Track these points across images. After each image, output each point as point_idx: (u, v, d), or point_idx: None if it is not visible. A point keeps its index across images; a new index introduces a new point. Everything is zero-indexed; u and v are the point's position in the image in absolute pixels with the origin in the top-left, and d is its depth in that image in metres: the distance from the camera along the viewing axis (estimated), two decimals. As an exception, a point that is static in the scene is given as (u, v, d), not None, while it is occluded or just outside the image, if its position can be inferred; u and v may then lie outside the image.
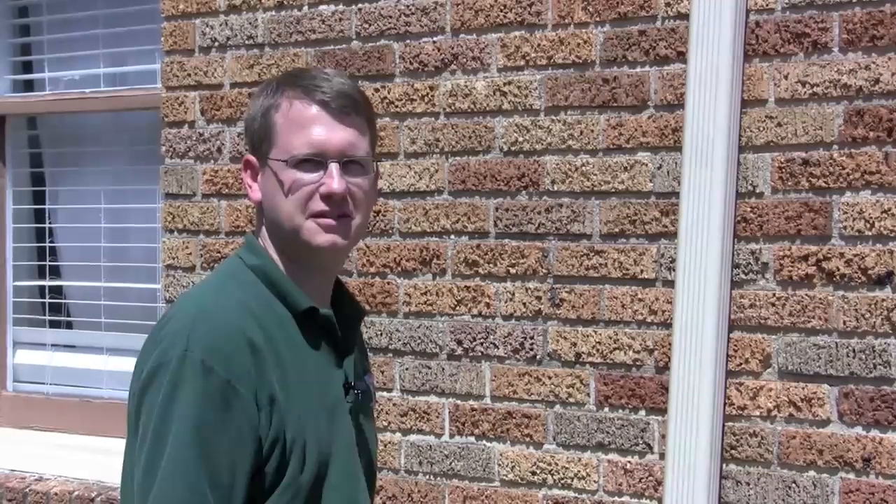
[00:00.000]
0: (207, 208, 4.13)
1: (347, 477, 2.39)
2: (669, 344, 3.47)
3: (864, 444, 3.21)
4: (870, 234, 3.18)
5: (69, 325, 4.89)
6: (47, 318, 4.89)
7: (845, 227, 3.21)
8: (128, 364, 4.42)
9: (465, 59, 3.72)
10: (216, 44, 4.10)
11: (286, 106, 2.40)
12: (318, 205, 2.35)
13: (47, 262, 4.91)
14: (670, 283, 3.46)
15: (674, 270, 3.48)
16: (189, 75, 4.17)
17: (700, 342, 3.37)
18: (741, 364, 3.35)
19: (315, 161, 2.35)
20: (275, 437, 2.23)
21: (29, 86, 4.90)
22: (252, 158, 2.47)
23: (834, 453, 3.24)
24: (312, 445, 2.27)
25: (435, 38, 3.73)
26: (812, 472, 3.26)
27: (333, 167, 2.34)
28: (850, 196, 3.19)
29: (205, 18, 4.11)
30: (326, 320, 2.38)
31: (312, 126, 2.39)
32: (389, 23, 3.81)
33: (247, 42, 4.04)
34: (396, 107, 3.83)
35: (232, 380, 2.19)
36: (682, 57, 3.41)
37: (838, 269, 3.21)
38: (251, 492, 2.26)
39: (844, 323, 3.21)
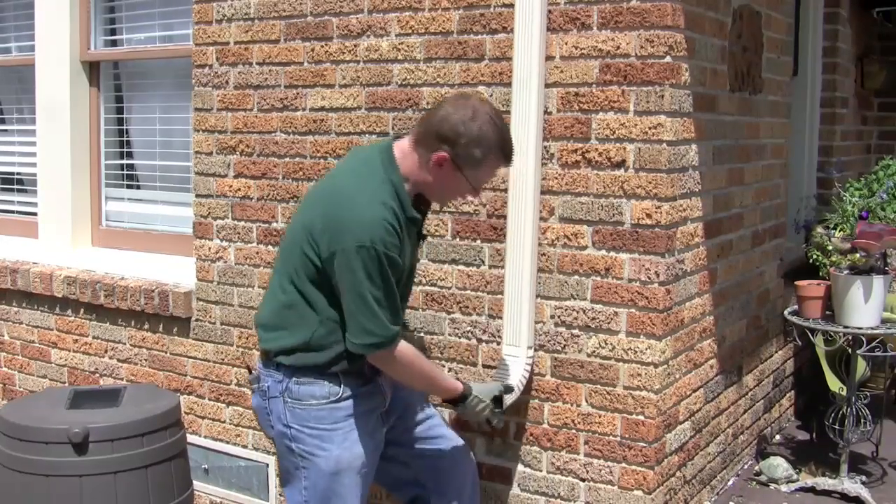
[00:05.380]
0: (219, 117, 4.25)
1: (408, 269, 2.93)
2: (496, 200, 3.51)
3: (605, 260, 3.37)
4: (612, 137, 3.30)
5: (138, 187, 4.98)
6: (125, 182, 4.99)
7: (598, 133, 3.34)
8: (173, 210, 4.71)
9: (375, 29, 3.76)
10: (225, 18, 4.17)
11: (495, 162, 2.88)
12: (459, 200, 3.19)
13: (125, 149, 4.99)
14: (496, 165, 3.64)
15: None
16: (209, 37, 4.23)
17: (524, 199, 3.41)
18: (540, 213, 3.43)
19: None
20: (402, 266, 2.77)
21: (113, 42, 4.95)
22: (450, 157, 2.77)
23: (588, 265, 3.42)
24: (406, 261, 2.80)
25: (357, 16, 3.80)
26: (575, 277, 3.42)
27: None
28: (601, 115, 3.32)
29: (219, 2, 4.18)
30: (417, 219, 2.88)
31: (494, 176, 3.05)
32: (330, 5, 3.88)
33: (244, 17, 4.11)
34: (335, 56, 3.86)
35: (391, 252, 2.69)
36: (506, 30, 3.44)
37: (594, 158, 3.34)
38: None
39: (597, 189, 3.35)
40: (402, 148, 2.87)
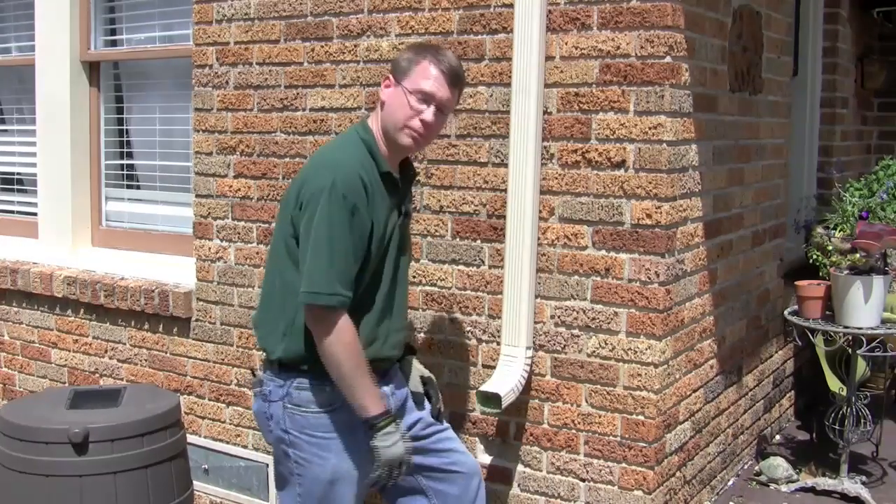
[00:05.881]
0: (219, 117, 4.26)
1: (394, 251, 2.88)
2: (496, 201, 3.52)
3: (605, 260, 3.38)
4: (613, 137, 3.30)
5: (138, 187, 4.97)
6: (125, 182, 4.99)
7: (598, 133, 3.34)
8: (174, 210, 4.73)
9: (375, 29, 3.76)
10: (225, 18, 4.18)
11: (424, 64, 2.82)
12: (415, 123, 2.82)
13: (125, 149, 4.98)
14: (496, 165, 3.51)
15: (498, 157, 3.51)
16: (209, 37, 4.24)
17: (524, 200, 3.41)
18: (540, 213, 3.44)
19: (426, 99, 2.80)
20: (370, 233, 2.73)
21: (113, 42, 4.95)
22: (391, 77, 2.87)
23: (588, 265, 3.44)
24: (380, 236, 2.77)
25: (357, 16, 3.81)
26: (575, 277, 3.42)
27: (433, 107, 2.82)
28: (602, 115, 3.32)
29: (219, 2, 4.19)
30: (393, 177, 2.84)
31: (433, 80, 2.82)
32: (330, 5, 3.88)
33: (244, 17, 4.12)
34: (335, 56, 3.87)
35: (355, 201, 2.69)
36: (506, 30, 3.45)
37: (594, 158, 3.34)
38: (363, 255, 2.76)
39: (597, 189, 3.35)
40: (375, 109, 2.99)
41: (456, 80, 2.89)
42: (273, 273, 2.93)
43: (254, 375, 3.04)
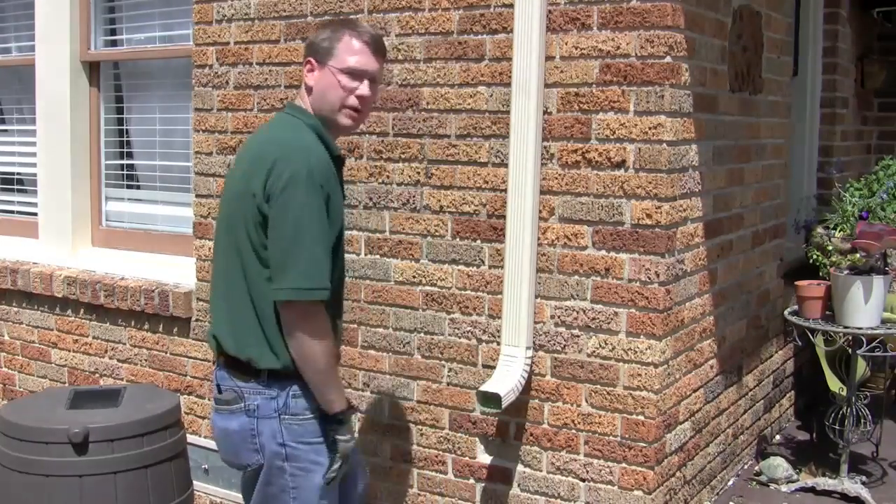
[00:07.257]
0: (219, 117, 4.26)
1: (341, 237, 2.81)
2: (496, 201, 3.52)
3: (605, 260, 3.37)
4: (613, 137, 3.30)
5: (138, 187, 4.97)
6: (125, 182, 4.99)
7: (598, 133, 3.34)
8: (173, 210, 4.73)
9: (376, 29, 3.66)
10: (225, 18, 4.18)
11: (347, 39, 2.72)
12: (353, 101, 2.73)
13: (125, 150, 4.98)
14: (496, 165, 3.51)
15: (498, 157, 3.51)
16: (209, 37, 4.24)
17: (524, 200, 3.41)
18: (540, 213, 3.44)
19: (357, 75, 2.71)
20: (337, 216, 2.67)
21: (113, 42, 4.95)
22: (314, 60, 2.74)
23: (588, 265, 3.42)
24: (340, 223, 2.71)
25: (357, 16, 3.77)
26: (575, 277, 3.43)
27: (367, 82, 2.74)
28: (602, 115, 3.32)
29: (219, 2, 4.19)
30: (342, 160, 2.79)
31: (360, 54, 2.72)
32: (330, 5, 3.88)
33: (244, 17, 4.12)
34: (336, 57, 4.08)
35: (327, 188, 2.64)
36: (506, 30, 3.45)
37: (594, 158, 3.34)
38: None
39: (597, 189, 3.35)
40: (299, 96, 2.86)
41: (379, 48, 2.80)
42: (236, 273, 2.71)
43: (220, 392, 2.82)
